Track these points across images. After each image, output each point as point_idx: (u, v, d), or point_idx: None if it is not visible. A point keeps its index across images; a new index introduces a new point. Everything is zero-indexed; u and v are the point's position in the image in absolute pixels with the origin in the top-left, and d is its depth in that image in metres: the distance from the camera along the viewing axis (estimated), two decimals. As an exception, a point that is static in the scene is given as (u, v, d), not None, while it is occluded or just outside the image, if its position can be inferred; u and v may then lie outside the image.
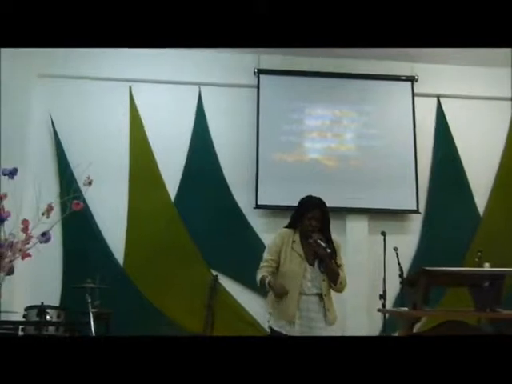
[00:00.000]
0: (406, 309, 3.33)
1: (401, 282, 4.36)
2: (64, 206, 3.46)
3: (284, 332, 3.11)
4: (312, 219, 3.22)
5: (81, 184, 3.75)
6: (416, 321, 3.22)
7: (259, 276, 3.20)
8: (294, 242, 3.25)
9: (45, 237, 2.75)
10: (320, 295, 3.18)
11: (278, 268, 3.24)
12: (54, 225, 2.87)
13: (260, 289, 3.35)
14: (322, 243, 3.15)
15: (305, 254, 3.22)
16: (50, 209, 2.88)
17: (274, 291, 3.14)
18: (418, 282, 3.17)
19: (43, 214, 2.87)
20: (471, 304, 4.27)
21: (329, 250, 3.13)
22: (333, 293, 3.31)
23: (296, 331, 3.11)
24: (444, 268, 3.29)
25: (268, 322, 3.25)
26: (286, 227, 3.38)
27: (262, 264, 3.27)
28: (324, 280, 3.19)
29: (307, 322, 3.13)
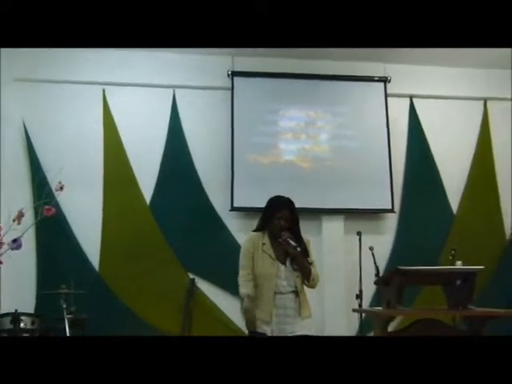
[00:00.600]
0: (381, 308, 3.35)
1: (375, 282, 4.39)
2: (37, 212, 3.43)
3: (261, 331, 3.12)
4: (281, 219, 3.24)
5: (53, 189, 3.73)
6: (390, 320, 3.25)
7: (243, 291, 3.20)
8: (264, 244, 3.27)
9: (16, 243, 2.73)
10: (295, 292, 3.21)
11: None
12: (25, 231, 2.84)
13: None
14: (291, 242, 3.17)
15: (276, 255, 3.24)
16: (20, 215, 2.86)
17: (244, 320, 3.17)
18: (392, 282, 3.19)
19: (14, 221, 2.84)
20: (445, 302, 4.36)
21: (299, 249, 3.16)
22: (309, 290, 3.33)
23: (273, 329, 3.13)
24: (417, 267, 3.32)
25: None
26: (254, 231, 3.41)
27: (241, 273, 3.27)
28: (298, 277, 3.22)
29: (283, 319, 3.15)
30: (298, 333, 3.13)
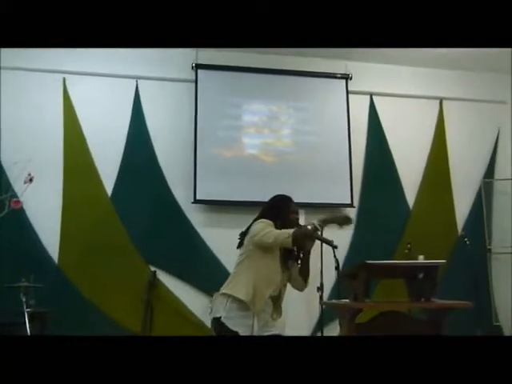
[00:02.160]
0: (348, 301, 3.46)
1: (338, 275, 4.51)
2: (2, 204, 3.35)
3: (240, 333, 2.92)
4: (294, 212, 3.14)
5: (19, 181, 3.66)
6: (358, 312, 3.35)
7: (275, 234, 2.95)
8: None
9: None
10: (278, 297, 3.10)
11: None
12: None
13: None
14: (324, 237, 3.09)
15: (280, 256, 3.08)
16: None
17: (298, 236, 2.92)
18: (359, 275, 3.29)
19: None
20: (402, 295, 4.51)
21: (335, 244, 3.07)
22: None
23: (253, 332, 2.97)
24: (382, 261, 3.44)
25: (217, 317, 2.98)
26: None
27: (266, 230, 3.00)
28: (285, 284, 3.12)
29: (261, 323, 3.02)
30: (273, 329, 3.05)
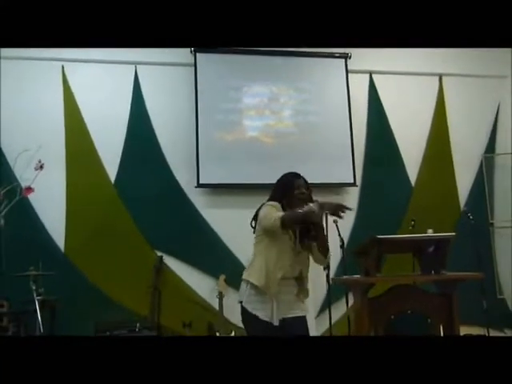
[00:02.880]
0: (358, 276, 3.49)
1: (343, 252, 4.56)
2: (9, 193, 3.34)
3: (261, 317, 2.94)
4: (301, 187, 3.07)
5: (22, 169, 3.65)
6: (370, 287, 3.37)
7: (275, 216, 2.89)
8: None
9: (-4, 224, 2.66)
10: (299, 278, 3.05)
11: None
12: (3, 212, 2.77)
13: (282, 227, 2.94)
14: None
15: (294, 234, 3.03)
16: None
17: (304, 213, 2.85)
18: (370, 250, 3.32)
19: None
20: (409, 269, 4.56)
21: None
22: None
23: (271, 316, 2.95)
24: (394, 235, 3.47)
25: (240, 301, 3.05)
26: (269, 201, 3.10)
27: (267, 214, 2.96)
28: (305, 263, 3.07)
29: (283, 305, 2.98)
30: (297, 311, 3.03)
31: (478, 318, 5.16)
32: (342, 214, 2.93)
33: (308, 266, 3.12)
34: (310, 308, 5.54)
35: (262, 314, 2.95)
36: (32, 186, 2.98)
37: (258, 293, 2.97)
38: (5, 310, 4.44)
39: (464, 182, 6.27)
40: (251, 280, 2.99)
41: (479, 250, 5.38)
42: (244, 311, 3.01)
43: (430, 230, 3.82)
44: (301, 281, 3.05)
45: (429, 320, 3.32)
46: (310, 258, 3.14)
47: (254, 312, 2.96)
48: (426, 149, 6.25)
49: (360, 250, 3.50)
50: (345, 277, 3.90)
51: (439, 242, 3.45)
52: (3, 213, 2.74)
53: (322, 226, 3.05)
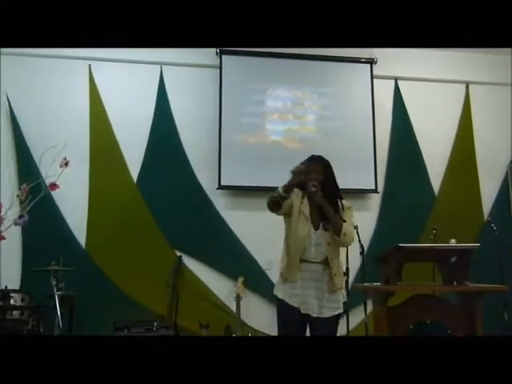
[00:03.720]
0: (379, 284, 3.45)
1: (362, 259, 4.52)
2: (33, 189, 3.39)
3: (288, 301, 3.02)
4: (310, 172, 3.11)
5: (47, 166, 3.69)
6: (390, 295, 3.34)
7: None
8: (302, 202, 3.13)
9: (22, 219, 2.70)
10: (325, 262, 3.04)
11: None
12: (28, 207, 2.81)
13: (273, 206, 3.07)
14: (314, 188, 3.05)
15: (311, 217, 3.10)
16: (24, 191, 2.82)
17: (292, 180, 3.01)
18: (391, 258, 3.29)
19: (18, 196, 2.81)
20: (428, 279, 4.50)
21: (318, 192, 3.02)
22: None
23: (299, 302, 3.01)
24: (416, 244, 3.43)
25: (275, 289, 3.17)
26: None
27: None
28: (329, 244, 3.05)
29: (311, 292, 3.00)
30: (329, 310, 3.02)
31: (499, 331, 5.07)
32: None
33: (335, 248, 3.13)
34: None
35: (291, 301, 3.03)
36: (57, 183, 2.98)
37: (286, 280, 3.06)
38: (26, 303, 4.48)
39: (489, 191, 6.18)
40: (278, 268, 3.13)
41: (502, 261, 5.30)
42: (276, 299, 3.12)
43: (453, 240, 3.78)
44: (327, 264, 3.04)
45: (449, 331, 3.28)
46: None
47: (284, 298, 3.05)
48: (451, 157, 6.17)
49: (381, 258, 3.46)
50: (365, 284, 3.86)
51: (462, 253, 3.40)
52: (28, 208, 2.77)
53: (324, 205, 3.05)
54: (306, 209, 3.11)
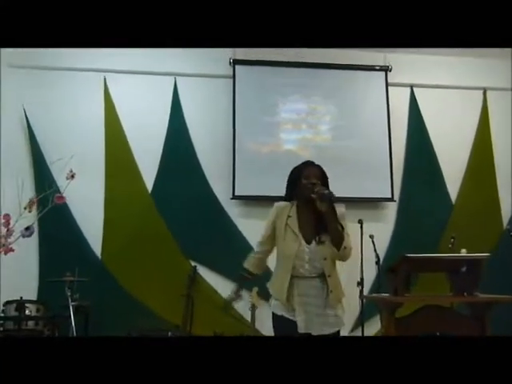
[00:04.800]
0: (388, 295, 3.41)
1: (378, 269, 4.45)
2: (43, 201, 3.44)
3: (287, 316, 2.85)
4: (310, 176, 2.91)
5: (61, 177, 3.75)
6: (398, 306, 3.29)
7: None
8: (289, 217, 2.90)
9: (28, 231, 2.73)
10: (322, 276, 2.84)
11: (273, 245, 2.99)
12: (36, 219, 2.85)
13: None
14: (325, 191, 2.80)
15: (301, 231, 2.87)
16: (32, 203, 2.87)
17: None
18: (399, 269, 3.24)
19: (25, 209, 2.85)
20: (443, 289, 4.41)
21: (333, 195, 2.76)
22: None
23: (300, 321, 2.81)
24: (424, 255, 3.37)
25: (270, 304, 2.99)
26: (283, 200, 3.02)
27: (255, 248, 3.12)
28: (325, 259, 2.84)
29: (308, 308, 2.83)
30: (328, 327, 2.84)
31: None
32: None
33: (332, 262, 2.90)
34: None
35: (289, 315, 2.85)
36: (63, 195, 3.02)
37: (277, 298, 2.92)
38: (41, 314, 4.54)
39: (507, 198, 6.06)
40: (270, 291, 2.99)
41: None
42: (272, 316, 2.94)
43: (464, 250, 3.71)
44: (325, 279, 2.84)
45: (459, 342, 3.21)
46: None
47: (280, 313, 2.87)
48: (468, 164, 6.08)
49: (390, 268, 3.41)
50: (374, 295, 3.81)
51: (472, 262, 3.33)
52: (36, 220, 2.81)
53: (330, 214, 2.79)
54: (294, 223, 2.89)
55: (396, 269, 3.29)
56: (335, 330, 2.88)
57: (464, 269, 3.27)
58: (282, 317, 2.86)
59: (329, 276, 2.84)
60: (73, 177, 3.07)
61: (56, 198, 2.98)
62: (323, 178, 2.95)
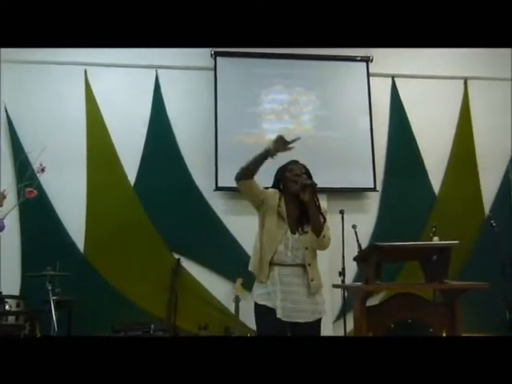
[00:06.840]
0: (360, 284, 3.42)
1: (354, 259, 4.46)
2: (20, 194, 3.43)
3: (269, 305, 2.89)
4: (294, 169, 3.04)
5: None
6: (369, 295, 3.30)
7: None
8: (279, 206, 2.98)
9: (-1, 225, 2.73)
10: (303, 266, 2.93)
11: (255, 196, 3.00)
12: (7, 213, 2.84)
13: (241, 177, 3.06)
14: (307, 181, 2.92)
15: (288, 219, 2.96)
16: (2, 197, 2.85)
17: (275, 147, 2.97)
18: (370, 258, 3.25)
19: (-5, 202, 2.84)
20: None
21: (315, 183, 2.89)
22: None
23: (278, 306, 2.86)
24: (393, 243, 3.38)
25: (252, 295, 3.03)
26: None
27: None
28: (307, 249, 2.93)
29: (289, 296, 2.88)
30: (308, 314, 2.90)
31: (503, 329, 5.01)
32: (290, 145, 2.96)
33: (313, 252, 2.99)
34: (327, 314, 5.60)
35: (269, 303, 2.89)
36: (33, 189, 3.01)
37: (262, 283, 2.94)
38: (21, 308, 4.53)
39: (489, 187, 6.09)
40: (249, 268, 3.01)
41: (503, 258, 5.22)
42: (254, 306, 2.97)
43: (436, 238, 3.72)
44: (305, 268, 2.93)
45: (431, 329, 3.23)
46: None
47: (262, 302, 2.92)
48: (450, 154, 6.10)
49: (361, 257, 3.43)
50: (345, 284, 3.82)
51: (442, 250, 3.35)
52: (6, 215, 2.80)
53: (312, 203, 2.91)
54: (283, 211, 2.98)
55: (366, 258, 3.30)
56: (316, 317, 2.94)
57: (435, 257, 3.29)
58: (263, 306, 2.91)
59: (309, 265, 2.93)
60: (43, 170, 3.05)
61: (27, 193, 2.97)
62: (307, 173, 3.06)
